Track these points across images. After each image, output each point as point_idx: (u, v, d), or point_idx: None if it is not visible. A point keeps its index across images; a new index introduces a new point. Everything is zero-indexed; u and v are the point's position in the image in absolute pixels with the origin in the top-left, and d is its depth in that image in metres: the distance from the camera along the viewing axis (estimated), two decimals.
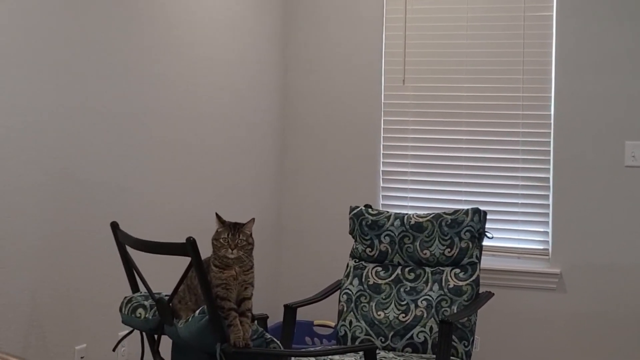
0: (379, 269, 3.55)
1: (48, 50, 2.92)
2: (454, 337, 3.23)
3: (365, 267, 3.57)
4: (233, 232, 2.47)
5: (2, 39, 2.71)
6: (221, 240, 2.47)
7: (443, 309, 3.35)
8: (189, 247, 2.33)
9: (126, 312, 2.67)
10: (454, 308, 3.33)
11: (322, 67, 4.71)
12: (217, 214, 2.55)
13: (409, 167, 4.56)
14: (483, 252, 3.58)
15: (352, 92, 4.64)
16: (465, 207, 3.55)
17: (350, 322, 3.46)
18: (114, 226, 2.72)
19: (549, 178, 4.29)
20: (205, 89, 3.94)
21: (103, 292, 3.24)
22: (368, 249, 3.58)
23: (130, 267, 2.76)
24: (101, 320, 3.24)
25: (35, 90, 2.87)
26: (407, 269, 3.51)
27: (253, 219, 2.53)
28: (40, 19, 2.87)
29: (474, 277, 3.39)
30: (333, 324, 4.38)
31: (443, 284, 3.41)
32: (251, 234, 2.52)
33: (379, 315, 3.43)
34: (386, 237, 3.55)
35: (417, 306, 3.39)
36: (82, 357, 3.13)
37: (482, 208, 3.53)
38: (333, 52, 4.69)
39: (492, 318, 4.29)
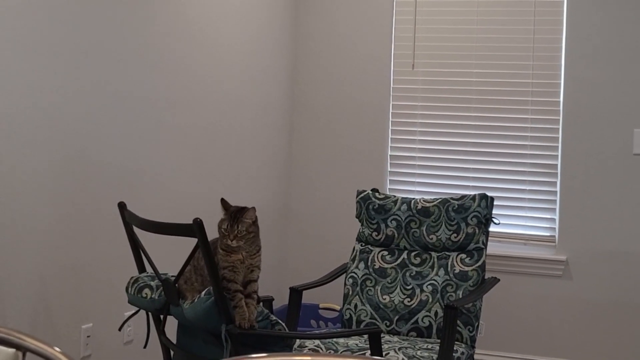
0: (385, 253, 3.55)
1: (63, 33, 2.92)
2: (458, 322, 3.23)
3: (372, 251, 3.57)
4: (231, 223, 2.47)
5: (18, 23, 2.71)
6: (222, 230, 2.48)
7: (448, 294, 3.35)
8: (195, 229, 2.34)
9: (132, 292, 2.68)
10: (460, 293, 3.34)
11: (331, 52, 4.69)
12: (222, 200, 2.54)
13: (416, 152, 4.55)
14: (489, 238, 3.58)
15: (361, 76, 4.63)
16: (473, 192, 3.55)
17: (356, 306, 3.47)
18: (121, 206, 2.73)
19: (557, 165, 4.28)
20: (216, 74, 3.94)
21: (110, 272, 3.26)
22: (374, 233, 3.58)
23: (137, 247, 2.76)
24: (108, 299, 3.26)
25: (48, 73, 2.87)
26: (413, 254, 3.51)
27: (253, 208, 2.51)
28: (56, 3, 2.88)
29: (479, 263, 3.39)
30: (338, 308, 4.39)
31: (449, 269, 3.41)
32: (253, 222, 2.50)
33: (384, 299, 3.44)
34: (393, 222, 3.55)
35: (422, 291, 3.40)
36: (88, 336, 3.15)
37: (490, 194, 3.52)
38: (342, 36, 4.67)
39: (497, 304, 4.30)
